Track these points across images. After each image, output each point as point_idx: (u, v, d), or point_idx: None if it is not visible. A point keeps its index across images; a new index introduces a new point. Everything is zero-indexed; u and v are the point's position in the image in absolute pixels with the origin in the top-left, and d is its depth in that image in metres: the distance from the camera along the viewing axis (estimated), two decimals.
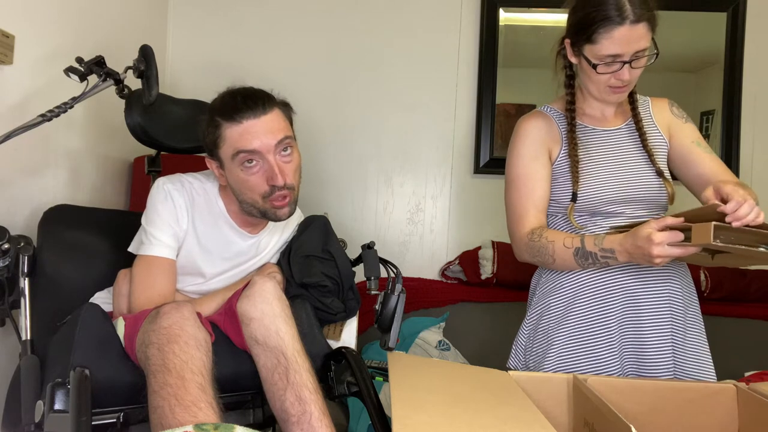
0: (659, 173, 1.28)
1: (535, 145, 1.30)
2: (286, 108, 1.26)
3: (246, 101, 1.19)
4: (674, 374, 1.22)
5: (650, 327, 1.23)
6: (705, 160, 1.28)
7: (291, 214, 1.26)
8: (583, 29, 1.19)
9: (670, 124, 1.35)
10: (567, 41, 1.26)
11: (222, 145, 1.21)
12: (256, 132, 1.17)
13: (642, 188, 1.27)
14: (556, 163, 1.31)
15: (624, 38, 1.16)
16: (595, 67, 1.20)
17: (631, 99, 1.34)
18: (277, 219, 1.26)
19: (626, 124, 1.33)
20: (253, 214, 1.26)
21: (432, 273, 2.29)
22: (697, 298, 1.33)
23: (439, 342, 2.06)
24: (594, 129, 1.32)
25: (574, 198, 1.26)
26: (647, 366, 1.22)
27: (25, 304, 1.18)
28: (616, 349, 1.23)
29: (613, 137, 1.32)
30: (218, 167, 1.25)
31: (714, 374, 1.27)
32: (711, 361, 1.28)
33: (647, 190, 1.27)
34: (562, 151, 1.30)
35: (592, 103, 1.33)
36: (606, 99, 1.28)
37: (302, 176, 1.29)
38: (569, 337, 1.26)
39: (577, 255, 1.21)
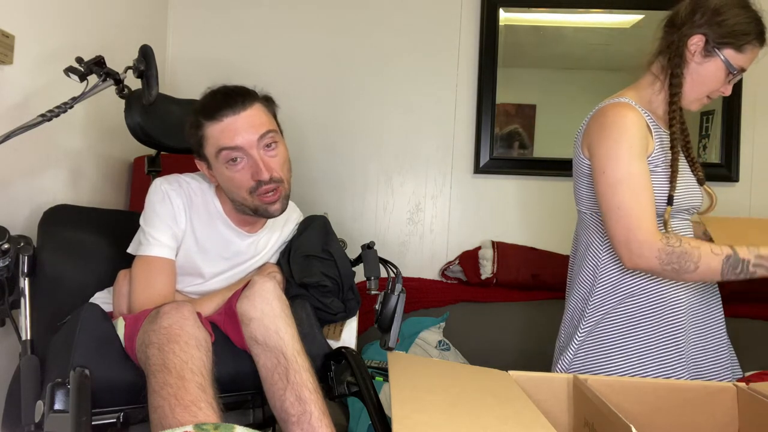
0: (701, 182, 1.31)
1: (640, 141, 1.20)
2: (268, 102, 1.26)
3: (225, 99, 1.19)
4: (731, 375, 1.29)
5: (714, 337, 1.28)
6: None
7: (283, 209, 1.26)
8: (736, 35, 1.18)
9: None
10: (702, 37, 1.20)
11: (206, 145, 1.21)
12: (237, 128, 1.17)
13: (699, 195, 1.29)
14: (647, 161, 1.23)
15: (754, 59, 1.20)
16: (732, 73, 1.20)
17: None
18: (269, 215, 1.25)
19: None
20: (246, 212, 1.26)
21: (432, 273, 2.29)
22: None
23: (439, 342, 2.06)
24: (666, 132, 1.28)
25: (670, 201, 1.21)
26: (710, 372, 1.26)
27: (25, 304, 1.18)
28: (683, 361, 1.23)
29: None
30: (207, 168, 1.25)
31: (741, 371, 1.35)
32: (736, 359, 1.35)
33: (699, 197, 1.30)
34: (656, 151, 1.23)
35: (664, 105, 1.28)
36: (692, 106, 1.27)
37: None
38: (638, 345, 1.24)
39: (727, 262, 1.14)
